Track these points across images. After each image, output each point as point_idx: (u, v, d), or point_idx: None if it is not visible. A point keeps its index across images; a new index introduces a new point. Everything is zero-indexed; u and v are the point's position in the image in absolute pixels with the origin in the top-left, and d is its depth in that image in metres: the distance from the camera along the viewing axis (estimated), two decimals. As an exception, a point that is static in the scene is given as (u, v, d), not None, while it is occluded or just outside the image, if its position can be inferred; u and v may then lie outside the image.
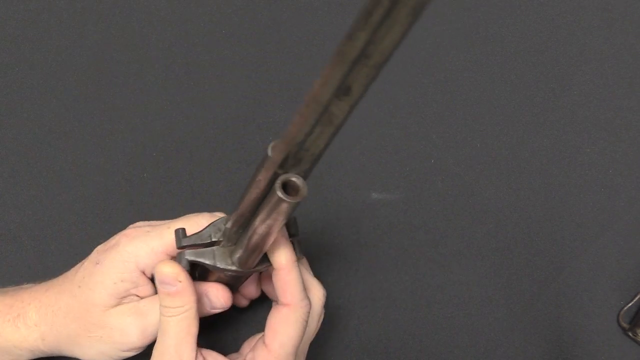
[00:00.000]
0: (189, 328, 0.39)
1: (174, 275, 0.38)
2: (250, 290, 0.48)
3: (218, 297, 0.42)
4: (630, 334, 0.54)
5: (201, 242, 0.39)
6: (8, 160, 0.57)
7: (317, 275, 0.55)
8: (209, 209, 0.56)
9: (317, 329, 0.45)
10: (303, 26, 0.62)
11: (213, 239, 0.39)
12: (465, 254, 0.57)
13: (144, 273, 0.42)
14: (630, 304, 0.55)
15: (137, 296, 0.43)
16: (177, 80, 0.60)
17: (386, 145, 0.59)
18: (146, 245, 0.42)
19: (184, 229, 0.40)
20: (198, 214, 0.43)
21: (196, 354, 0.39)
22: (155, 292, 0.43)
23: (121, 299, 0.42)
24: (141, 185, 0.57)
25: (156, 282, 0.39)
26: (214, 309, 0.43)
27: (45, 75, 0.60)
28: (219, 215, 0.43)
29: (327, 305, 0.54)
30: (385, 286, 0.56)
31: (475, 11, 0.63)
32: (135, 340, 0.42)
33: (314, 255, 0.54)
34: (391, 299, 0.56)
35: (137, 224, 0.45)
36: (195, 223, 0.42)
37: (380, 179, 0.58)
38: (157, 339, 0.40)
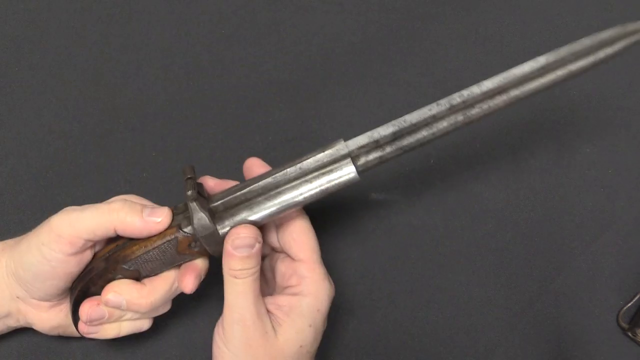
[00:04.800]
0: (257, 284, 0.43)
1: (255, 235, 0.42)
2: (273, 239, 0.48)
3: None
4: (629, 334, 0.54)
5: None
6: (8, 160, 0.57)
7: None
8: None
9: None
10: (303, 26, 0.62)
11: None
12: (465, 254, 0.57)
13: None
14: (629, 304, 0.55)
15: None
16: (177, 80, 0.60)
17: (386, 145, 0.59)
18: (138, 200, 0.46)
19: None
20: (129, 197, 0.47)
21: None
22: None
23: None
24: (141, 185, 0.57)
25: (229, 249, 0.42)
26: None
27: (45, 75, 0.60)
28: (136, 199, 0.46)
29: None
30: (385, 286, 0.56)
31: (475, 11, 0.63)
32: (66, 227, 0.41)
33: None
34: (391, 299, 0.56)
35: None
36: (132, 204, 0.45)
37: (380, 179, 0.58)
38: (232, 301, 0.43)
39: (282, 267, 0.46)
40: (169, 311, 0.54)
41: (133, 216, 0.42)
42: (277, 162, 0.58)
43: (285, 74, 0.61)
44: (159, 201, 0.56)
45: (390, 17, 0.62)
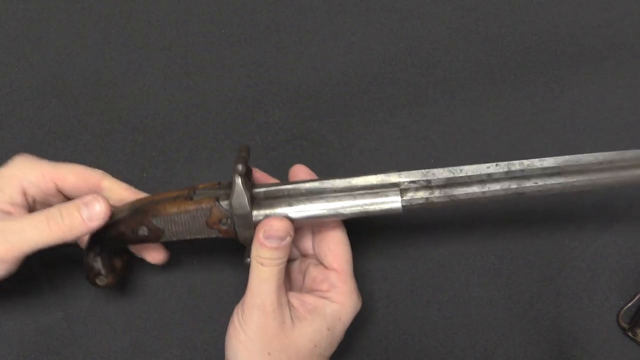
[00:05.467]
0: (282, 274, 0.44)
1: (287, 229, 0.43)
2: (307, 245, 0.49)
3: None
4: (629, 334, 0.54)
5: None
6: (8, 160, 0.57)
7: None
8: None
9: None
10: (303, 26, 0.62)
11: None
12: (465, 254, 0.57)
13: (25, 194, 0.45)
14: (629, 304, 0.55)
15: (8, 212, 0.44)
16: (177, 80, 0.60)
17: (386, 145, 0.59)
18: (38, 166, 0.46)
19: None
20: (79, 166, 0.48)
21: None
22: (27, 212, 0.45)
23: None
24: (141, 185, 0.57)
25: (260, 237, 0.42)
26: None
27: (45, 75, 0.60)
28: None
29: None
30: (385, 286, 0.56)
31: (475, 11, 0.63)
32: (7, 250, 0.41)
33: (314, 255, 0.54)
34: (391, 299, 0.56)
35: None
36: (82, 173, 0.47)
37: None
38: (255, 286, 0.43)
39: (314, 272, 0.47)
40: (168, 310, 0.55)
41: (74, 223, 0.42)
42: (277, 162, 0.58)
43: (285, 74, 0.61)
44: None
45: (391, 17, 0.62)
